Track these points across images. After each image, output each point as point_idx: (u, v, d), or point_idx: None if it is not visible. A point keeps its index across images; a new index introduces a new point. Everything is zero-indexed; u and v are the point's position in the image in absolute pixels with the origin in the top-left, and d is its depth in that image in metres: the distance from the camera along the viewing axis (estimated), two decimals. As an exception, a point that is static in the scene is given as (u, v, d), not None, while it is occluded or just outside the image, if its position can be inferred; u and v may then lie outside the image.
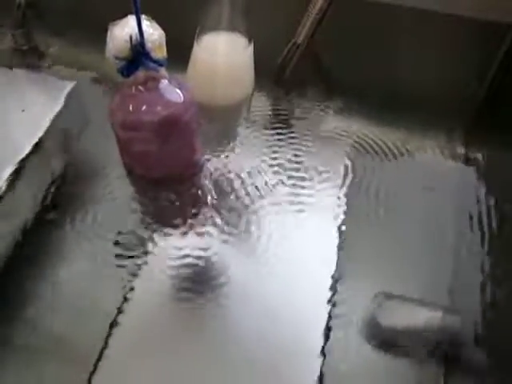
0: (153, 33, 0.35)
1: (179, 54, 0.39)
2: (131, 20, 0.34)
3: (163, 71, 0.37)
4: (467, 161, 0.47)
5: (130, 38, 0.33)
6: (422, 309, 0.37)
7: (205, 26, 0.42)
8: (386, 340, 0.36)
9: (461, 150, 0.48)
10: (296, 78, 0.51)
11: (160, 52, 0.36)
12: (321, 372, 0.34)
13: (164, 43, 0.36)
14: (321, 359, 0.35)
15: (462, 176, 0.46)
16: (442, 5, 0.47)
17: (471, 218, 0.42)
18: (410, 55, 0.50)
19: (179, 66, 0.42)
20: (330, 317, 0.37)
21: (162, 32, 0.36)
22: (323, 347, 0.36)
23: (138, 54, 0.33)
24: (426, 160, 0.48)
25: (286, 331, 0.36)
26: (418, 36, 0.49)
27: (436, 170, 0.47)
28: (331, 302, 0.38)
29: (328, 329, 0.36)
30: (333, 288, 0.38)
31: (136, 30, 0.33)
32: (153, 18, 0.36)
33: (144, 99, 0.36)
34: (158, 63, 0.35)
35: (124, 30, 0.33)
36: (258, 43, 0.43)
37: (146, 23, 0.35)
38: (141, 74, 0.35)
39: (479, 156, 0.47)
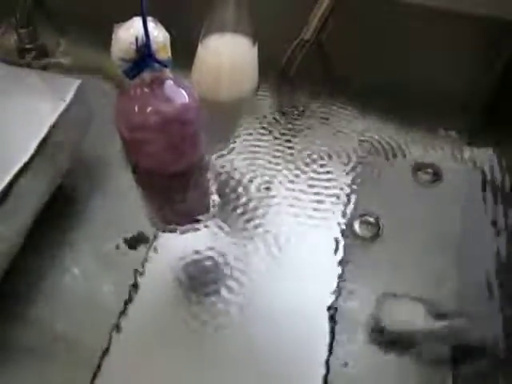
0: (157, 34, 0.35)
1: (183, 54, 0.39)
2: (136, 22, 0.34)
3: (167, 72, 0.37)
4: (474, 160, 0.48)
5: (136, 39, 0.33)
6: (426, 310, 0.37)
7: (209, 27, 0.43)
8: (390, 342, 0.36)
9: (467, 150, 0.48)
10: (302, 74, 0.52)
11: (164, 53, 0.36)
12: (325, 375, 0.35)
13: (168, 44, 0.36)
14: (325, 362, 0.35)
15: (468, 176, 0.46)
16: (449, 2, 0.46)
17: (477, 218, 0.43)
18: (418, 53, 0.50)
19: (183, 66, 0.42)
20: (333, 319, 0.37)
21: (167, 33, 0.36)
22: (327, 349, 0.36)
23: (143, 55, 0.34)
24: (431, 159, 0.48)
25: (290, 333, 0.37)
26: (426, 33, 0.49)
27: (442, 170, 0.47)
28: (335, 303, 0.38)
29: (332, 331, 0.37)
30: (336, 289, 0.39)
31: (141, 31, 0.33)
32: (157, 18, 0.37)
33: (149, 100, 0.36)
34: (163, 64, 0.36)
35: (129, 32, 0.33)
36: (263, 41, 0.44)
37: (152, 25, 0.35)
38: (146, 75, 0.35)
39: (486, 156, 0.47)
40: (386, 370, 0.36)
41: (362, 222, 0.43)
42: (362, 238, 0.42)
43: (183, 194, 0.43)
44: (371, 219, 0.43)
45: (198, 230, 0.41)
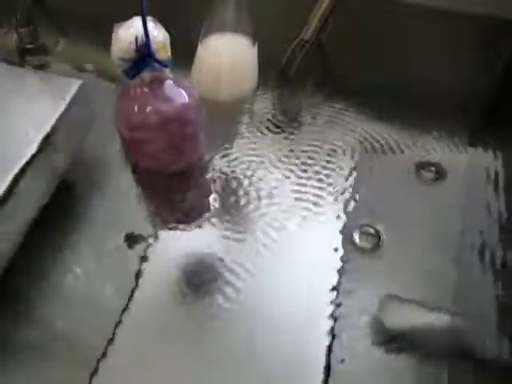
0: (157, 34, 0.35)
1: (183, 54, 0.39)
2: (136, 21, 0.34)
3: (167, 72, 0.37)
4: (474, 160, 0.47)
5: (136, 39, 0.33)
6: (426, 311, 0.37)
7: (209, 27, 0.43)
8: (390, 341, 0.36)
9: (467, 149, 0.48)
10: (302, 74, 0.52)
11: (164, 53, 0.36)
12: (325, 374, 0.35)
13: (168, 44, 0.36)
14: (325, 362, 0.35)
15: (468, 175, 0.46)
16: (449, 1, 0.46)
17: (478, 218, 0.42)
18: (417, 53, 0.50)
19: (183, 66, 0.43)
20: (333, 320, 0.37)
21: (166, 33, 0.36)
22: (327, 350, 0.36)
23: (143, 55, 0.34)
24: (432, 158, 0.48)
25: (289, 333, 0.37)
26: (425, 33, 0.49)
27: (442, 169, 0.47)
28: (335, 304, 0.38)
29: (332, 332, 0.36)
30: (336, 290, 0.39)
31: (141, 31, 0.33)
32: (157, 18, 0.37)
33: (149, 100, 0.36)
34: (163, 64, 0.36)
35: (129, 32, 0.34)
36: (263, 41, 0.44)
37: (151, 24, 0.35)
38: (146, 74, 0.35)
39: (486, 155, 0.47)
40: (386, 369, 0.36)
41: (362, 225, 0.43)
42: (363, 238, 0.42)
43: (183, 194, 0.43)
44: (371, 223, 0.43)
45: (196, 228, 0.41)
